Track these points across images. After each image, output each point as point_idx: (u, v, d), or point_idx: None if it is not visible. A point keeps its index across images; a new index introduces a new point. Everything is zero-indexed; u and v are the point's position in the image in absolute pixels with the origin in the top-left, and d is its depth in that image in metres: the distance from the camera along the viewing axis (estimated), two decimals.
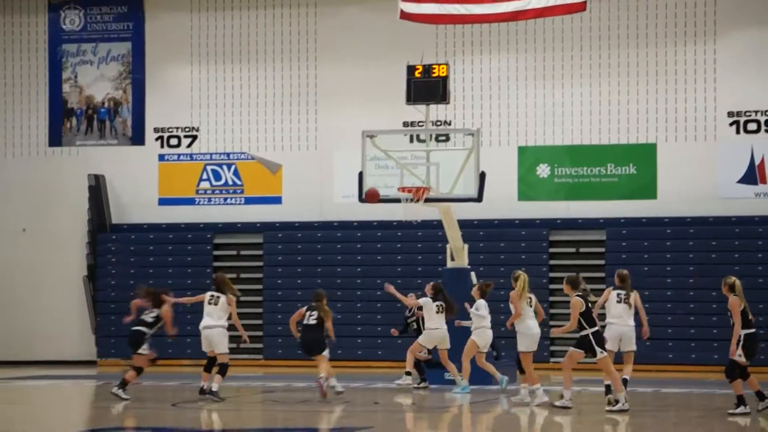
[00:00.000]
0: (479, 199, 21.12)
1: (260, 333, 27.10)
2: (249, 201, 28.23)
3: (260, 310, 27.42)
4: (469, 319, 19.85)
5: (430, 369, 20.84)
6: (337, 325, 20.39)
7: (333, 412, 17.31)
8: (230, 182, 28.36)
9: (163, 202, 28.57)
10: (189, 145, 28.58)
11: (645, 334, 18.01)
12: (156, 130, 28.70)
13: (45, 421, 16.44)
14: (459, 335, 20.16)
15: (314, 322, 18.70)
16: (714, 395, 16.71)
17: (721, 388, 17.59)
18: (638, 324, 18.02)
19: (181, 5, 28.52)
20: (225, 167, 28.38)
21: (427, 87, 21.25)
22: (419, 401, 18.69)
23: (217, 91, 28.41)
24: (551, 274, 26.55)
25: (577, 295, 16.87)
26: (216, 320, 18.48)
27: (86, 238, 28.52)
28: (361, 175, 21.47)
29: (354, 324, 26.07)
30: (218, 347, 18.51)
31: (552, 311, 26.54)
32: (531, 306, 18.55)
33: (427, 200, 20.97)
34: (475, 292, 19.97)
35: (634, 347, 17.95)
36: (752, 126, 26.27)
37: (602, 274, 25.64)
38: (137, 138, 28.78)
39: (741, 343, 16.19)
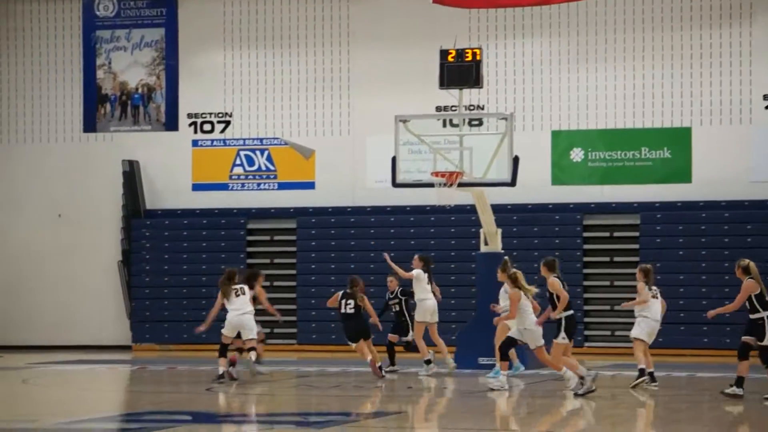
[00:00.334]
0: (512, 183, 21.07)
1: (294, 318, 27.17)
2: (282, 186, 28.28)
3: (294, 296, 27.48)
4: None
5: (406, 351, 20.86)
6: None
7: (366, 397, 17.34)
8: (263, 168, 28.41)
9: (196, 187, 28.66)
10: (222, 131, 28.64)
11: None
12: (189, 115, 28.78)
13: (81, 405, 16.56)
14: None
15: (352, 310, 19.07)
16: (749, 380, 16.63)
17: (756, 372, 17.50)
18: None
19: None
20: (258, 153, 28.43)
21: (460, 71, 21.20)
22: (452, 386, 18.68)
23: (250, 76, 28.45)
24: (585, 259, 26.46)
25: (555, 277, 16.72)
26: (246, 306, 19.03)
27: (121, 223, 28.65)
28: (394, 160, 21.46)
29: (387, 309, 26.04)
30: (251, 332, 18.98)
31: (586, 296, 26.47)
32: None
33: (461, 185, 20.95)
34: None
35: None
36: None
37: (636, 259, 25.53)
38: (171, 124, 28.87)
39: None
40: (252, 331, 19.05)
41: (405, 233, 27.10)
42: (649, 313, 18.03)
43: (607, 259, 26.43)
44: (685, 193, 26.31)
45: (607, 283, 26.27)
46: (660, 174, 26.50)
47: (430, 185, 21.09)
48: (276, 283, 27.29)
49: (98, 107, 29.17)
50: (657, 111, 26.58)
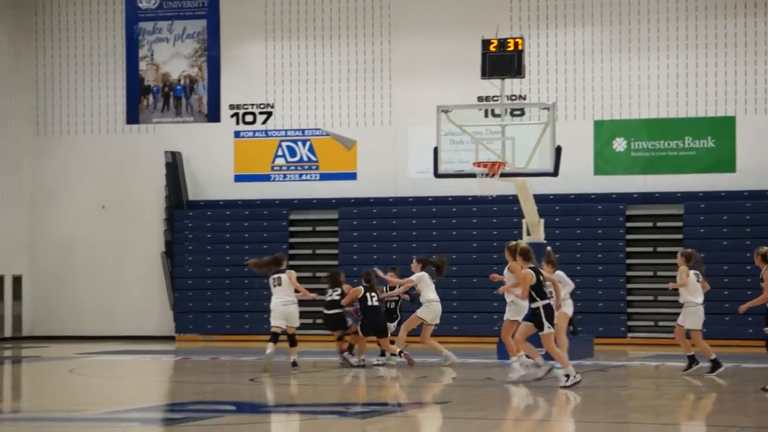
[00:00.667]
0: (555, 173, 20.99)
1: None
2: (324, 177, 28.31)
3: None
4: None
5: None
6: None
7: (410, 387, 17.34)
8: (305, 158, 28.45)
9: (238, 178, 28.75)
10: (264, 122, 28.70)
11: None
12: (231, 107, 28.86)
13: (126, 395, 16.66)
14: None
15: (377, 303, 19.15)
16: None
17: None
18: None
19: None
20: (300, 143, 28.47)
21: (502, 61, 21.12)
22: (496, 376, 18.65)
23: (291, 67, 28.48)
24: (628, 249, 26.34)
25: (530, 268, 16.52)
26: (291, 296, 19.26)
27: (164, 214, 28.79)
28: (435, 150, 21.43)
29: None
30: (296, 321, 19.38)
31: (629, 286, 26.36)
32: None
33: (503, 175, 20.89)
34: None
35: None
36: None
37: (679, 249, 25.36)
38: (213, 115, 28.96)
39: None
40: (296, 321, 19.34)
41: (447, 224, 27.06)
42: (700, 299, 18.03)
43: (650, 249, 26.29)
44: (729, 182, 26.12)
45: (650, 273, 26.13)
46: (704, 163, 26.32)
47: (472, 175, 21.04)
48: (318, 274, 27.31)
49: (141, 99, 29.31)
50: (700, 100, 26.39)
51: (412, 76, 27.70)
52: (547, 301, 16.37)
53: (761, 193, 25.91)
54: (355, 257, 27.49)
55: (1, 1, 29.17)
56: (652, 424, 13.42)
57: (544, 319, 16.26)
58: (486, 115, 25.72)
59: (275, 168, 28.64)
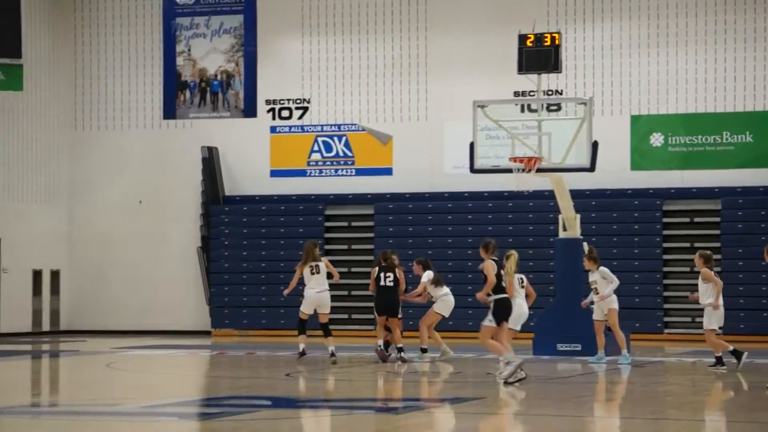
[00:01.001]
0: (592, 168, 20.91)
1: (372, 304, 27.18)
2: (360, 172, 28.32)
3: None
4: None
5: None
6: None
7: (444, 383, 17.32)
8: (341, 154, 28.47)
9: (274, 173, 28.81)
10: (300, 117, 28.75)
11: None
12: (268, 102, 28.91)
13: (162, 390, 16.73)
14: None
15: (391, 283, 19.32)
16: None
17: None
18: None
19: None
20: (336, 139, 28.49)
21: (538, 56, 21.05)
22: (531, 372, 18.60)
23: (327, 62, 28.50)
24: (665, 245, 26.21)
25: (492, 259, 16.44)
26: (325, 285, 19.78)
27: (200, 209, 28.89)
28: (472, 145, 21.39)
29: (465, 295, 25.97)
30: (328, 308, 19.84)
31: (666, 282, 26.22)
32: (522, 287, 18.82)
33: (539, 170, 20.82)
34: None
35: None
36: None
37: (717, 244, 25.24)
38: (249, 110, 29.03)
39: None
40: (328, 307, 19.73)
41: (483, 219, 27.01)
42: (719, 300, 18.00)
43: (688, 245, 26.13)
44: None
45: (687, 269, 25.94)
46: (742, 159, 26.15)
47: (509, 171, 20.99)
48: (353, 269, 27.36)
49: (178, 94, 29.42)
50: (738, 95, 26.20)
51: (449, 71, 27.66)
52: (502, 296, 16.32)
53: None
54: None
55: None
56: (689, 420, 13.35)
57: (490, 312, 16.31)
58: (522, 111, 25.62)
59: (311, 163, 28.68)
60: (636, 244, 26.24)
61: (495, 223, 26.92)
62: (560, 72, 21.90)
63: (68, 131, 29.84)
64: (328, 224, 28.35)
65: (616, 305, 19.71)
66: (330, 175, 28.56)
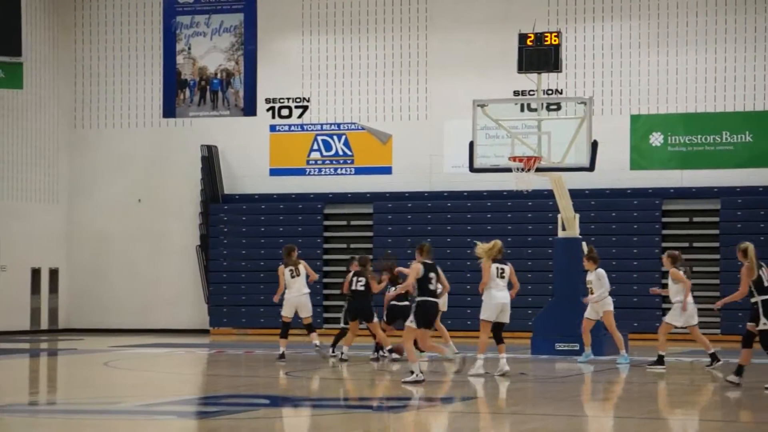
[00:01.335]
0: (591, 168, 20.91)
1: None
2: (359, 171, 28.32)
3: None
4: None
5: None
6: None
7: (440, 382, 17.32)
8: (340, 152, 28.46)
9: (274, 172, 28.81)
10: (300, 116, 28.75)
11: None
12: (267, 100, 28.91)
13: (160, 388, 16.73)
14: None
15: (362, 288, 19.25)
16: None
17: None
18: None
19: None
20: (335, 137, 28.49)
21: (538, 55, 21.05)
22: (528, 371, 18.61)
23: (327, 61, 28.50)
24: (663, 244, 26.19)
25: (423, 262, 16.43)
26: (304, 288, 19.87)
27: (199, 208, 28.89)
28: (471, 144, 21.38)
29: (464, 294, 26.00)
30: (308, 311, 19.96)
31: (665, 281, 26.15)
32: (504, 277, 17.88)
33: (539, 170, 20.82)
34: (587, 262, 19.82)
35: None
36: None
37: (716, 244, 25.23)
38: (249, 109, 29.03)
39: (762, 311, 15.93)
40: (308, 310, 19.87)
41: (482, 218, 27.01)
42: (688, 297, 18.13)
43: (687, 244, 26.12)
44: (767, 178, 25.93)
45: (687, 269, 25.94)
46: (741, 158, 26.15)
47: (508, 170, 20.98)
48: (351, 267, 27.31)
49: (178, 92, 29.42)
50: (738, 94, 26.21)
51: (448, 71, 27.66)
52: (426, 299, 16.26)
53: None
54: (389, 251, 27.44)
55: None
56: (686, 419, 13.35)
57: (412, 313, 16.29)
58: (522, 110, 25.62)
59: (310, 162, 28.68)
60: (635, 243, 26.24)
61: (494, 223, 26.92)
62: (560, 71, 21.89)
63: (68, 129, 29.83)
64: (327, 223, 28.35)
65: (611, 307, 19.69)
66: (329, 174, 28.56)
